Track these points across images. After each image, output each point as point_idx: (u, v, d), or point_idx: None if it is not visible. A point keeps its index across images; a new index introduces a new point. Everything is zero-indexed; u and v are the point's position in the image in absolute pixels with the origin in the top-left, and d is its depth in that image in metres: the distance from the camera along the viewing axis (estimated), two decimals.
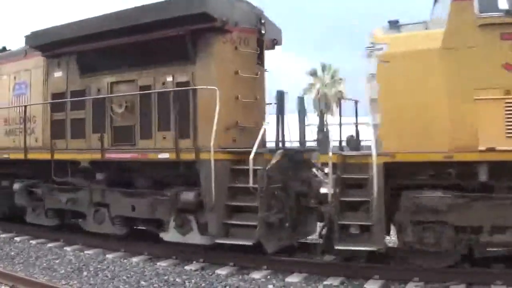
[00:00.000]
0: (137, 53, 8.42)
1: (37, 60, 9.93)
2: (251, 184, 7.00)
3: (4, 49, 11.66)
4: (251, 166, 7.00)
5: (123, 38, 8.39)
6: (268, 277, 6.87)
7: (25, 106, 9.61)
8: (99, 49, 8.76)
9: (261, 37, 8.44)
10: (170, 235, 7.86)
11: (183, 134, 7.85)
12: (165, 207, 7.86)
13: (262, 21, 8.41)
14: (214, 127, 7.24)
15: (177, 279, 6.73)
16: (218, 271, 7.08)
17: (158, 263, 7.56)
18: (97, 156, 8.40)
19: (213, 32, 7.85)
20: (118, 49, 8.56)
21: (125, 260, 7.87)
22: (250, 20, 8.28)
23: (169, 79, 8.19)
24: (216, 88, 7.36)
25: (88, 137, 9.02)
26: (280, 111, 7.96)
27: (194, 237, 7.66)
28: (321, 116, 7.22)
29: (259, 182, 7.07)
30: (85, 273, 7.20)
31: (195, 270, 7.18)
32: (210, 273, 7.04)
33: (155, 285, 6.60)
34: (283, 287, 6.45)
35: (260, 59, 8.48)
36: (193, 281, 6.66)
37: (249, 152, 7.44)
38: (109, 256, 8.11)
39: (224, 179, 7.38)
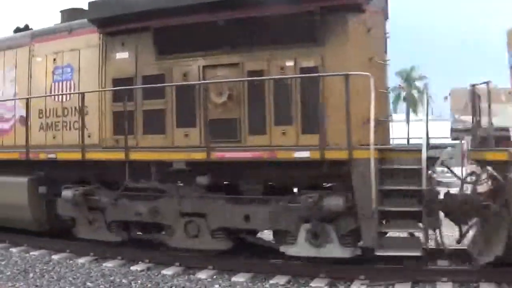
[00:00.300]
0: (245, 31, 6.97)
1: (90, 38, 8.09)
2: (423, 186, 5.88)
3: (26, 27, 9.59)
4: (424, 166, 5.88)
5: (225, 12, 6.91)
6: (214, 277, 6.75)
7: (83, 94, 7.72)
8: (188, 25, 7.18)
9: (386, 20, 7.33)
10: (299, 248, 6.54)
11: (310, 129, 6.58)
12: (293, 216, 6.53)
13: (388, 2, 7.31)
14: (372, 121, 6.05)
15: (123, 280, 6.63)
16: (164, 272, 6.94)
17: (104, 264, 7.40)
18: (199, 155, 6.79)
19: (348, 11, 6.63)
20: (217, 25, 7.02)
21: (71, 261, 7.65)
22: (379, 1, 7.13)
23: (289, 63, 6.81)
24: (369, 74, 6.16)
25: (169, 132, 7.37)
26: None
27: (333, 250, 6.44)
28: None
29: (425, 183, 5.97)
30: (31, 275, 7.03)
31: (141, 271, 7.05)
32: (156, 274, 6.91)
33: (101, 286, 6.49)
34: (229, 287, 6.36)
35: (385, 45, 7.36)
36: (139, 281, 6.57)
37: (395, 149, 6.63)
38: (55, 257, 7.87)
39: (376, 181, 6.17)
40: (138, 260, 7.42)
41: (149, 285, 6.46)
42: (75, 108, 8.15)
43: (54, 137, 8.37)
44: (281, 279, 6.49)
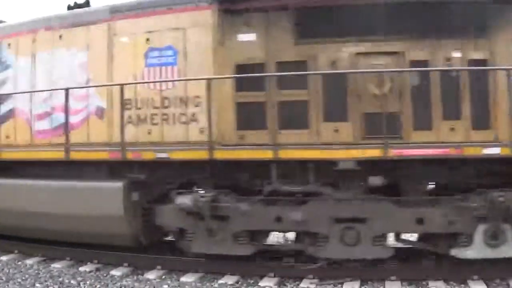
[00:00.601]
0: (407, 17, 6.29)
1: (199, 16, 6.85)
2: None
3: (87, 3, 8.01)
4: None
5: None
6: (163, 277, 6.77)
7: (209, 80, 6.47)
8: (340, 6, 6.38)
9: None
10: (476, 251, 6.07)
11: (481, 124, 6.20)
12: (469, 216, 6.04)
13: None
14: None
15: (72, 281, 6.62)
16: (113, 272, 6.96)
17: (52, 265, 7.36)
18: (372, 153, 5.97)
19: None
20: (375, 7, 6.31)
21: (19, 262, 7.59)
22: None
23: (456, 54, 6.29)
24: None
25: (314, 127, 6.47)
26: None
27: (510, 250, 6.04)
28: None
29: None
30: None
31: (90, 272, 7.04)
32: (105, 274, 6.93)
33: (50, 287, 6.45)
34: (178, 287, 6.35)
35: None
36: (88, 282, 6.57)
37: None
38: (3, 258, 7.79)
39: None
40: (86, 260, 7.40)
41: (98, 286, 6.43)
42: (181, 98, 6.90)
43: (149, 133, 7.00)
44: (229, 279, 6.48)
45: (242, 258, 6.60)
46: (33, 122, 7.75)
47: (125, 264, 7.09)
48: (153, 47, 7.07)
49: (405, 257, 6.82)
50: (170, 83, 6.93)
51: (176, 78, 6.91)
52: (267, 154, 6.21)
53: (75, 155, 7.06)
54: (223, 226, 6.59)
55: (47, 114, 7.64)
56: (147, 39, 7.10)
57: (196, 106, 6.81)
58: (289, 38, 6.58)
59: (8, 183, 7.56)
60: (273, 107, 6.24)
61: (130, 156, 6.74)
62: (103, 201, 6.82)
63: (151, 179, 7.01)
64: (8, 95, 7.82)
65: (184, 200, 6.55)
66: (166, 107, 6.96)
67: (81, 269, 7.11)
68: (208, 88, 6.45)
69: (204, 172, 6.81)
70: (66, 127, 7.12)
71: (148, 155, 6.69)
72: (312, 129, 6.47)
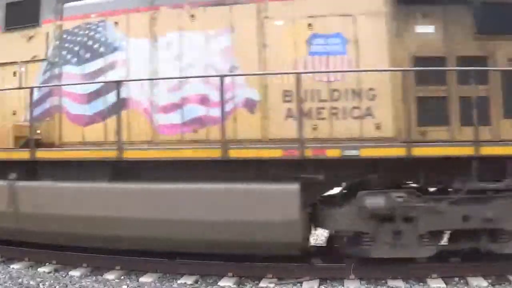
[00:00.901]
0: None
1: (371, 3, 6.36)
2: None
3: None
4: None
5: None
6: (122, 277, 6.80)
7: (405, 71, 5.95)
8: None
9: None
10: None
11: None
12: None
13: None
14: None
15: (31, 282, 6.60)
16: (72, 273, 6.95)
17: (11, 266, 7.29)
18: None
19: None
20: None
21: None
22: None
23: None
24: None
25: (495, 122, 6.35)
26: None
27: None
28: None
29: None
30: None
31: (49, 272, 7.03)
32: (64, 275, 6.92)
33: None
34: (137, 287, 6.41)
35: None
36: (47, 283, 6.54)
37: None
38: None
39: None
40: (45, 261, 7.27)
41: (57, 286, 6.38)
42: (353, 90, 6.31)
43: (314, 128, 6.28)
44: (189, 279, 6.47)
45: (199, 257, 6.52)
46: (155, 114, 6.50)
47: (84, 265, 7.00)
48: (317, 33, 6.39)
49: None
50: (339, 74, 6.32)
51: (346, 68, 6.32)
52: (467, 151, 5.94)
53: (234, 154, 6.05)
54: (410, 228, 6.16)
55: (176, 106, 6.47)
56: (309, 25, 6.40)
57: (371, 99, 6.30)
58: (468, 32, 6.40)
59: (140, 188, 6.26)
60: (475, 102, 5.99)
61: (309, 153, 5.97)
62: (273, 206, 5.92)
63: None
64: (120, 83, 6.44)
65: (377, 200, 5.99)
66: (335, 100, 6.33)
67: (40, 269, 7.03)
68: (405, 80, 6.00)
69: (378, 171, 6.31)
70: (222, 121, 6.06)
71: (333, 153, 5.97)
72: (494, 124, 6.36)
